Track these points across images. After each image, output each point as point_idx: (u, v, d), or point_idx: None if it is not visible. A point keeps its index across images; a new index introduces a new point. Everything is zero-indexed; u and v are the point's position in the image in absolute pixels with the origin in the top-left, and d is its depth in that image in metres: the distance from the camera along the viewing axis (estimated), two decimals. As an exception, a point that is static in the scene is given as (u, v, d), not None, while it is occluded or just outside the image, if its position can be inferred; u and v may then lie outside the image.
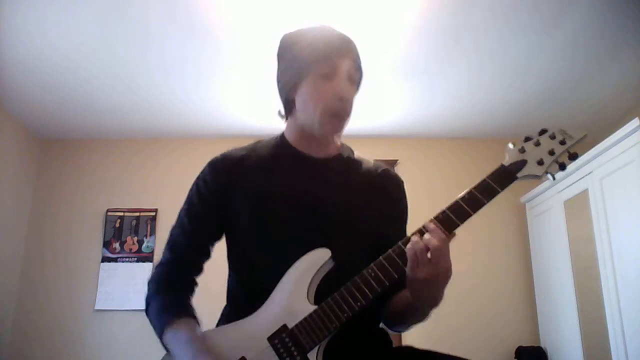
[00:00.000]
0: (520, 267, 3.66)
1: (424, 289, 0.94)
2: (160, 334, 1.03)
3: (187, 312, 1.05)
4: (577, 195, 2.96)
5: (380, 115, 3.55)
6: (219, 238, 1.17)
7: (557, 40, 2.66)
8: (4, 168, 3.43)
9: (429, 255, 0.90)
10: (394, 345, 1.14)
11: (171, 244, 1.16)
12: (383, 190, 1.17)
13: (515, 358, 3.41)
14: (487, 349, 3.45)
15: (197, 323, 1.03)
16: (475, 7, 2.40)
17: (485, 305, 3.54)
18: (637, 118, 2.42)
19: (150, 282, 1.13)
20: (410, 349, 1.08)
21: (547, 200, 3.32)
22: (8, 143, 3.47)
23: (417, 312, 1.03)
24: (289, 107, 1.16)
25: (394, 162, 3.72)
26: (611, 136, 2.59)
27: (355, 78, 1.12)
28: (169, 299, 1.08)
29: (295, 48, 1.12)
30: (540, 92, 3.22)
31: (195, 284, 1.16)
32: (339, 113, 1.08)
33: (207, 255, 1.17)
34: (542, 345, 3.39)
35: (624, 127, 2.51)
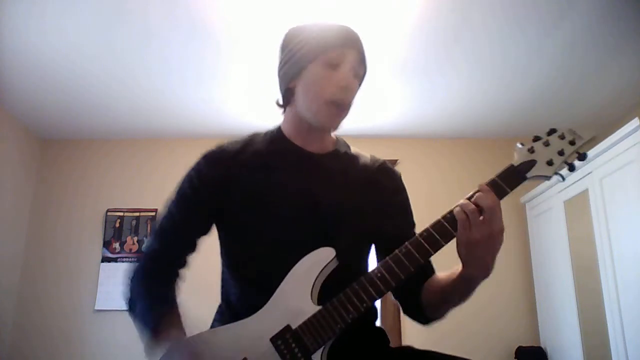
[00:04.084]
0: (520, 267, 3.66)
1: (476, 253, 0.91)
2: (147, 337, 0.99)
3: (172, 314, 1.02)
4: (577, 195, 2.96)
5: (380, 115, 3.54)
6: (207, 232, 1.14)
7: (557, 40, 2.66)
8: (4, 168, 3.42)
9: (481, 217, 0.88)
10: (394, 346, 1.13)
11: (158, 234, 1.13)
12: (381, 185, 1.16)
13: (515, 358, 3.40)
14: (487, 348, 3.45)
15: (182, 324, 1.00)
16: (475, 7, 2.40)
17: (485, 305, 3.52)
18: (637, 118, 2.42)
19: (133, 279, 1.09)
20: (410, 349, 1.08)
21: (547, 200, 3.31)
22: (8, 143, 3.46)
23: (463, 289, 0.99)
24: (288, 96, 1.13)
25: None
26: (611, 136, 2.59)
27: (359, 72, 1.11)
28: (155, 298, 1.04)
29: (302, 36, 1.11)
30: (540, 92, 3.21)
31: (180, 277, 1.12)
32: (341, 102, 1.07)
33: (193, 248, 1.14)
34: (542, 345, 3.39)
35: (624, 127, 2.51)
